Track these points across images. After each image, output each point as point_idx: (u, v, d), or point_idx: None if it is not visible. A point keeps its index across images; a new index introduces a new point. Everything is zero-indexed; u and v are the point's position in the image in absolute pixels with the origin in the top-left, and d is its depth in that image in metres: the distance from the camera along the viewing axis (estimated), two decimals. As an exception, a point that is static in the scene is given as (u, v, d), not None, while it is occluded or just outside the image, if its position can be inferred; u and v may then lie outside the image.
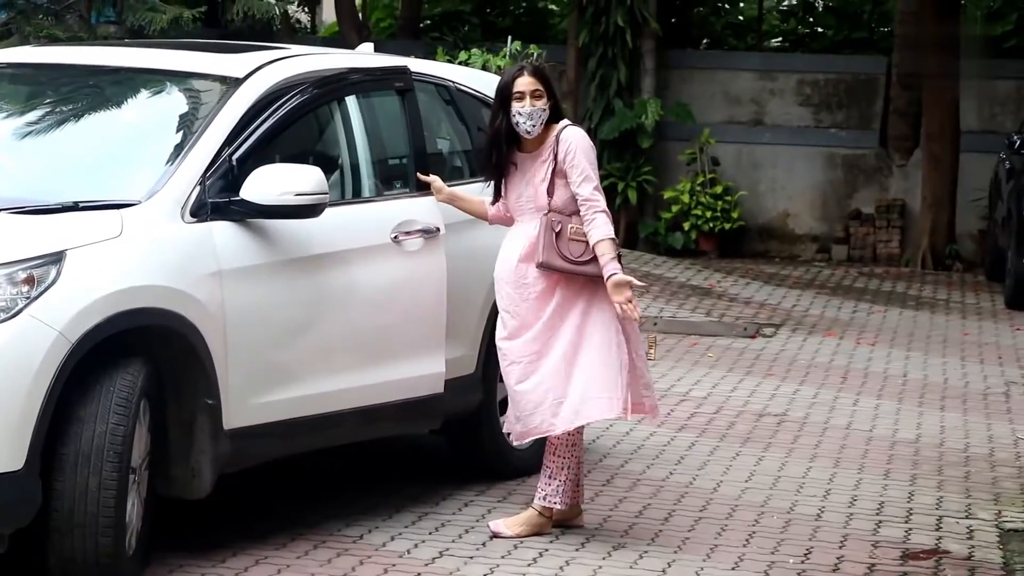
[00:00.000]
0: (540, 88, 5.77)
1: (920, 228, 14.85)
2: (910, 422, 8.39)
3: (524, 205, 5.91)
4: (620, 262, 5.80)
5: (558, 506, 5.93)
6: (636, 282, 5.78)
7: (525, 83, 5.76)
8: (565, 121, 5.90)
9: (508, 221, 6.04)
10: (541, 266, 5.81)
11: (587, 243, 5.76)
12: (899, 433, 8.12)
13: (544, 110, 5.78)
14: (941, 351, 10.57)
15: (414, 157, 6.33)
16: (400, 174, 6.35)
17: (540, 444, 6.82)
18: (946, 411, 8.73)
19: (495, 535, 5.91)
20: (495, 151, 5.84)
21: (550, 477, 5.92)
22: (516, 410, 5.89)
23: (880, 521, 6.45)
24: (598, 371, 5.78)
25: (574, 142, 5.81)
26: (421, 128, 6.35)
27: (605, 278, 5.73)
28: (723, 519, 6.37)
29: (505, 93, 5.79)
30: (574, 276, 5.81)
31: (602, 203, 5.81)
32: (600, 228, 5.76)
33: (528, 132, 5.81)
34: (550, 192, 5.84)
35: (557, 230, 5.78)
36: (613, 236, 5.80)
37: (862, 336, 11.04)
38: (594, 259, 5.76)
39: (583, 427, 5.96)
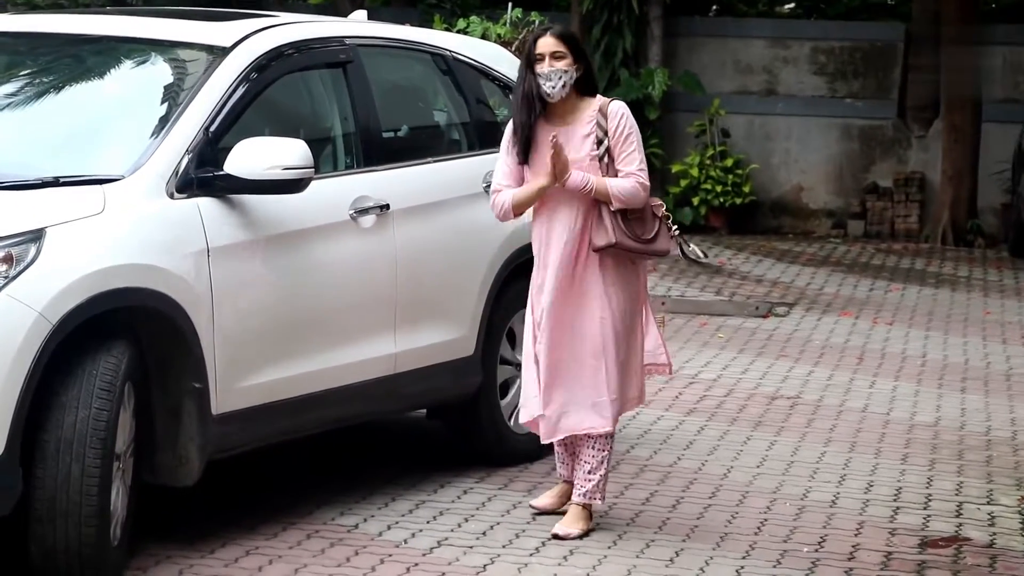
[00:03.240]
0: (562, 50, 5.62)
1: (940, 202, 14.64)
2: (929, 405, 8.26)
3: None
4: (588, 186, 5.57)
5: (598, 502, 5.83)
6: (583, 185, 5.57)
7: (545, 44, 5.63)
8: (604, 98, 5.73)
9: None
10: (606, 248, 5.62)
11: (648, 219, 5.66)
12: (917, 416, 7.99)
13: (566, 71, 5.61)
14: (962, 330, 10.43)
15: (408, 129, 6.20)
16: (396, 146, 6.19)
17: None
18: (967, 393, 8.60)
19: (555, 536, 5.72)
20: (521, 115, 5.65)
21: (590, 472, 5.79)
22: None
23: (897, 508, 6.33)
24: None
25: (626, 117, 5.69)
26: (372, 100, 6.12)
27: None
28: (734, 506, 6.25)
29: (528, 56, 5.67)
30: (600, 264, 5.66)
31: (646, 180, 5.65)
32: (624, 183, 5.61)
33: (549, 94, 5.63)
34: (605, 169, 5.67)
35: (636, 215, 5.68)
36: (623, 197, 5.60)
37: (879, 315, 10.90)
38: (656, 236, 5.66)
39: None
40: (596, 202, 5.64)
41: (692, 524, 5.97)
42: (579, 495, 5.77)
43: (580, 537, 5.70)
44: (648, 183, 5.69)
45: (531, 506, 5.99)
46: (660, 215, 5.75)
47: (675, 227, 5.80)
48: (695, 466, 6.83)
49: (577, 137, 5.68)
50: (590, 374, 5.69)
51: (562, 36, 5.66)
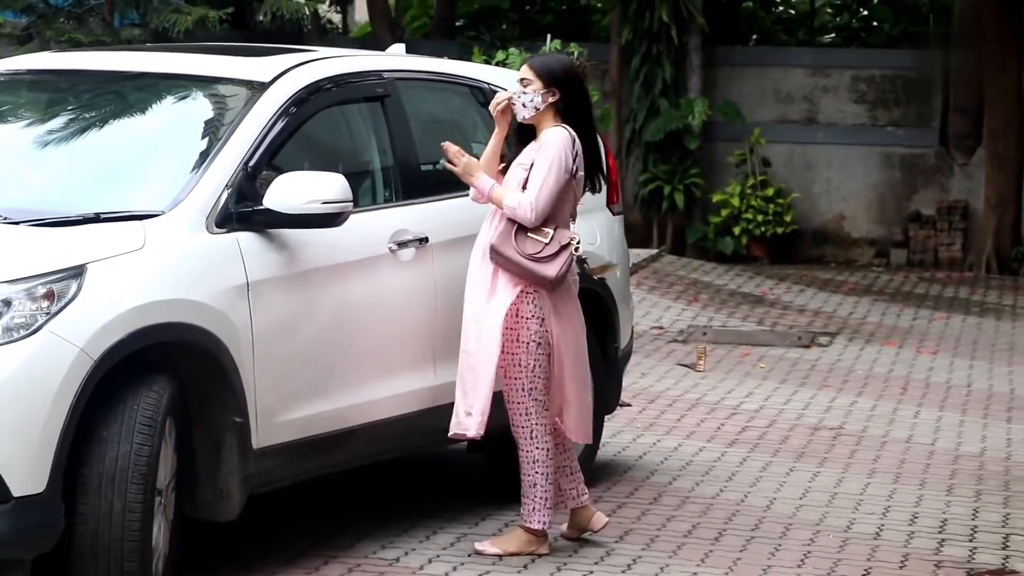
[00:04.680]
0: (528, 76, 5.83)
1: (983, 230, 14.55)
2: (974, 435, 8.18)
3: None
4: (488, 194, 5.74)
5: (535, 525, 5.81)
6: (475, 182, 5.76)
7: (518, 73, 5.93)
8: (559, 126, 5.80)
9: None
10: (491, 249, 5.74)
11: (546, 243, 5.69)
12: (962, 447, 7.93)
13: (531, 95, 5.78)
14: (1007, 359, 10.35)
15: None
16: (434, 179, 6.19)
17: (588, 461, 6.62)
18: (1013, 423, 8.52)
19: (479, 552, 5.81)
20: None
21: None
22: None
23: (943, 539, 6.27)
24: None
25: (548, 145, 5.76)
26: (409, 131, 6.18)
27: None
28: (777, 538, 6.19)
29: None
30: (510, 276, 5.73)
31: (528, 207, 5.67)
32: (510, 198, 5.72)
33: (519, 116, 5.85)
34: (524, 187, 5.81)
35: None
36: (511, 205, 5.70)
37: (923, 344, 10.83)
38: (546, 259, 5.68)
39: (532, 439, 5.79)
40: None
41: (735, 556, 5.92)
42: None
43: (499, 556, 5.72)
44: (528, 212, 5.70)
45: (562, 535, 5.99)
46: (566, 244, 5.73)
47: (583, 263, 5.89)
48: (737, 498, 6.79)
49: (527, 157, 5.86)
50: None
51: (532, 64, 5.88)
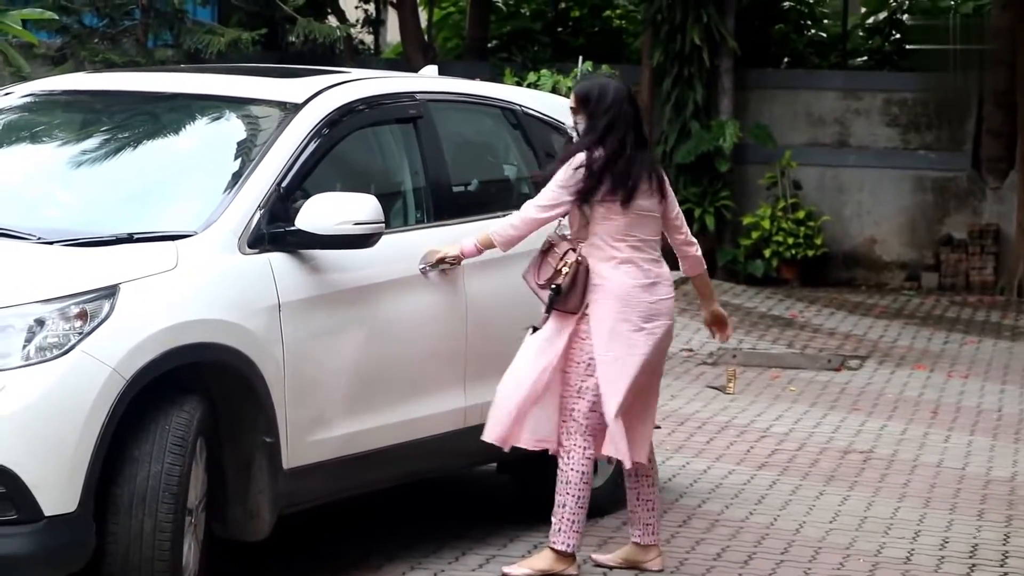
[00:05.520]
0: (573, 105, 5.89)
1: (1016, 254, 14.46)
2: (1005, 459, 8.13)
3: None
4: (478, 247, 5.82)
5: (558, 546, 5.76)
6: (447, 255, 5.84)
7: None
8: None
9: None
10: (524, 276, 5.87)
11: (558, 271, 5.72)
12: (993, 471, 7.87)
13: (574, 126, 5.89)
14: (1038, 384, 10.26)
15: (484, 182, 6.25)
16: (466, 200, 6.20)
17: (613, 484, 6.62)
18: (1043, 448, 8.45)
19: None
20: None
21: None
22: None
23: (974, 565, 6.23)
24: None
25: (563, 166, 5.81)
26: (442, 153, 6.19)
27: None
28: (806, 562, 6.16)
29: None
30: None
31: (524, 213, 5.78)
32: (498, 223, 5.84)
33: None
34: (590, 209, 5.83)
35: (544, 248, 5.83)
36: (497, 236, 5.80)
37: (954, 368, 10.76)
38: (554, 290, 5.72)
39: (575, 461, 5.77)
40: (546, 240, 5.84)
41: (764, 581, 5.91)
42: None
43: None
44: (519, 218, 5.78)
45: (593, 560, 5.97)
46: (562, 266, 5.75)
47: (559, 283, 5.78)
48: (767, 521, 6.76)
49: None
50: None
51: (575, 92, 5.91)
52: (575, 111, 5.85)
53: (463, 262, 5.94)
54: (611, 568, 5.93)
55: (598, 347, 5.70)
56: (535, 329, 5.81)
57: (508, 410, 5.72)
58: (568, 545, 5.75)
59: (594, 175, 5.70)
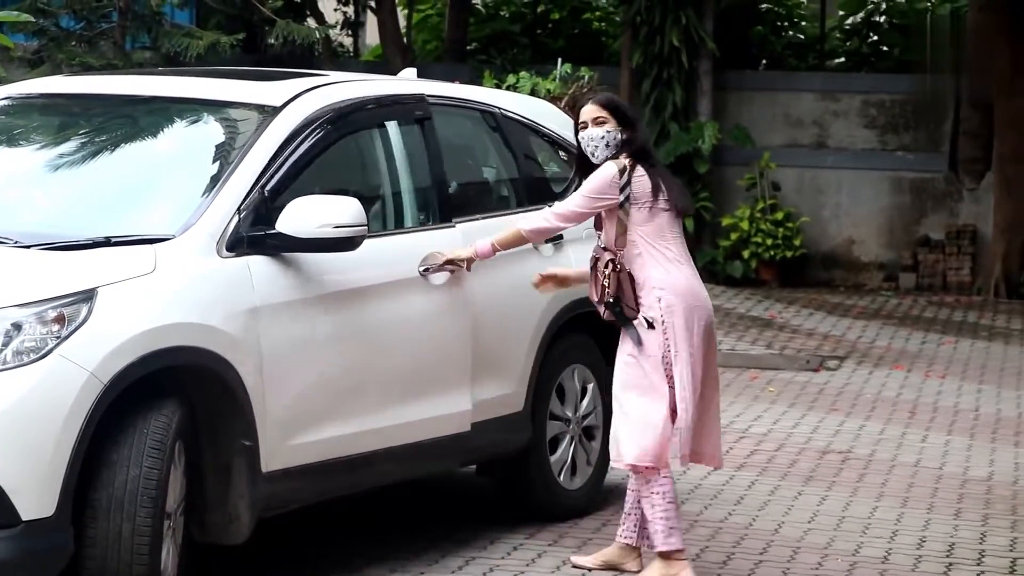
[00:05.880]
0: (603, 115, 5.87)
1: (992, 254, 14.52)
2: (982, 459, 8.16)
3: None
4: (495, 247, 5.88)
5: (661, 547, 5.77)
6: (458, 257, 5.89)
7: (587, 111, 5.92)
8: (623, 158, 5.82)
9: None
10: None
11: (603, 285, 5.76)
12: (970, 471, 7.90)
13: (604, 135, 5.85)
14: (1015, 384, 10.32)
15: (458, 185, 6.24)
16: (448, 203, 6.20)
17: (593, 486, 6.64)
18: (1020, 447, 8.51)
19: None
20: (581, 178, 5.97)
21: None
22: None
23: (951, 564, 6.25)
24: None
25: (595, 173, 5.83)
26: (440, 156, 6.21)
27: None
28: (784, 562, 6.19)
29: (575, 126, 5.98)
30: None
31: (556, 209, 5.85)
32: (528, 217, 5.94)
33: (593, 155, 5.88)
34: (597, 227, 5.92)
35: (592, 265, 5.86)
36: (527, 230, 5.89)
37: (931, 369, 10.80)
38: (610, 304, 5.74)
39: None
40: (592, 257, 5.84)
41: (743, 581, 5.93)
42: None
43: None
44: (551, 216, 5.86)
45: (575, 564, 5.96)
46: (604, 280, 5.79)
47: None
48: (746, 521, 6.78)
49: None
50: None
51: (603, 103, 5.92)
52: (600, 121, 5.82)
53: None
54: (590, 570, 5.93)
55: (680, 347, 5.70)
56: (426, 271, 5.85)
57: (667, 431, 5.68)
58: (670, 546, 5.72)
59: (653, 180, 5.77)
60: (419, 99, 6.36)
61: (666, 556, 5.75)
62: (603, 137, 5.83)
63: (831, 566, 6.15)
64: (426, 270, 5.87)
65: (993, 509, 7.14)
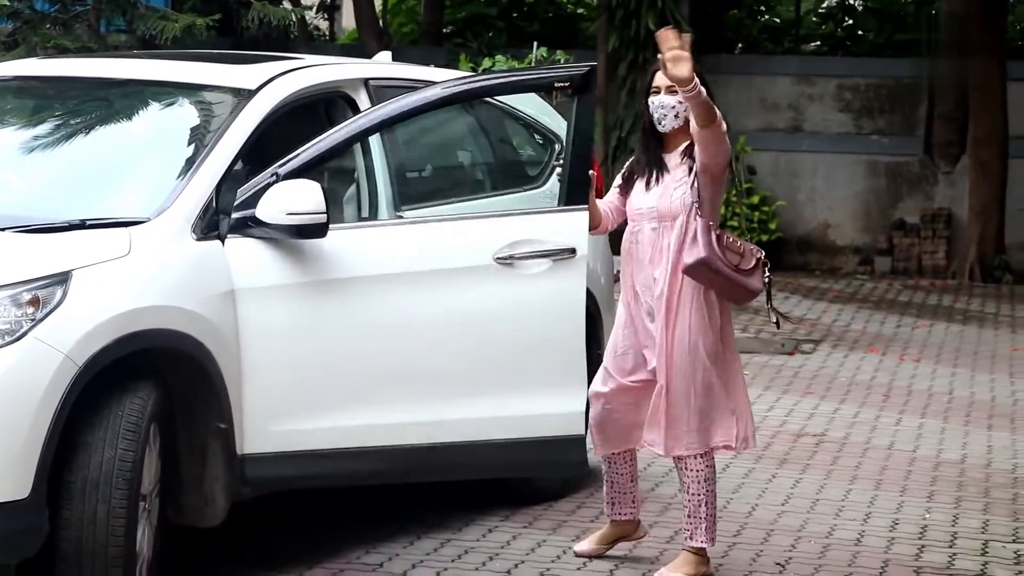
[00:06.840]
0: (671, 84, 5.59)
1: (967, 238, 14.59)
2: (955, 442, 8.21)
3: (645, 211, 5.67)
4: (702, 94, 5.48)
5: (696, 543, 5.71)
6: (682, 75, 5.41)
7: (663, 77, 5.61)
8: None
9: (604, 230, 5.88)
10: (698, 265, 5.51)
11: (742, 254, 5.59)
12: (943, 454, 7.95)
13: (676, 105, 5.63)
14: (989, 367, 10.37)
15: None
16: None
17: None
18: (993, 430, 8.54)
19: None
20: (639, 149, 5.76)
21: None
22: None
23: (923, 546, 6.28)
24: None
25: (722, 133, 5.64)
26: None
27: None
28: (758, 544, 6.22)
29: (646, 89, 5.73)
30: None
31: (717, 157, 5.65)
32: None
33: (660, 123, 5.67)
34: (695, 194, 5.64)
35: (717, 234, 5.60)
36: (719, 118, 5.57)
37: (906, 352, 10.85)
38: (750, 271, 5.60)
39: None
40: (705, 224, 5.57)
41: (717, 563, 5.92)
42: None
43: None
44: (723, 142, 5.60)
45: (576, 552, 5.93)
46: (759, 257, 5.68)
47: (768, 275, 5.69)
48: (720, 504, 6.74)
49: (673, 166, 5.71)
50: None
51: (680, 75, 5.54)
52: (674, 90, 5.50)
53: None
54: (601, 554, 5.87)
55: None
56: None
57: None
58: (703, 541, 5.67)
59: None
60: (394, 82, 6.32)
61: (703, 553, 5.71)
62: (674, 107, 5.63)
63: (804, 548, 6.18)
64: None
65: (966, 492, 7.18)
